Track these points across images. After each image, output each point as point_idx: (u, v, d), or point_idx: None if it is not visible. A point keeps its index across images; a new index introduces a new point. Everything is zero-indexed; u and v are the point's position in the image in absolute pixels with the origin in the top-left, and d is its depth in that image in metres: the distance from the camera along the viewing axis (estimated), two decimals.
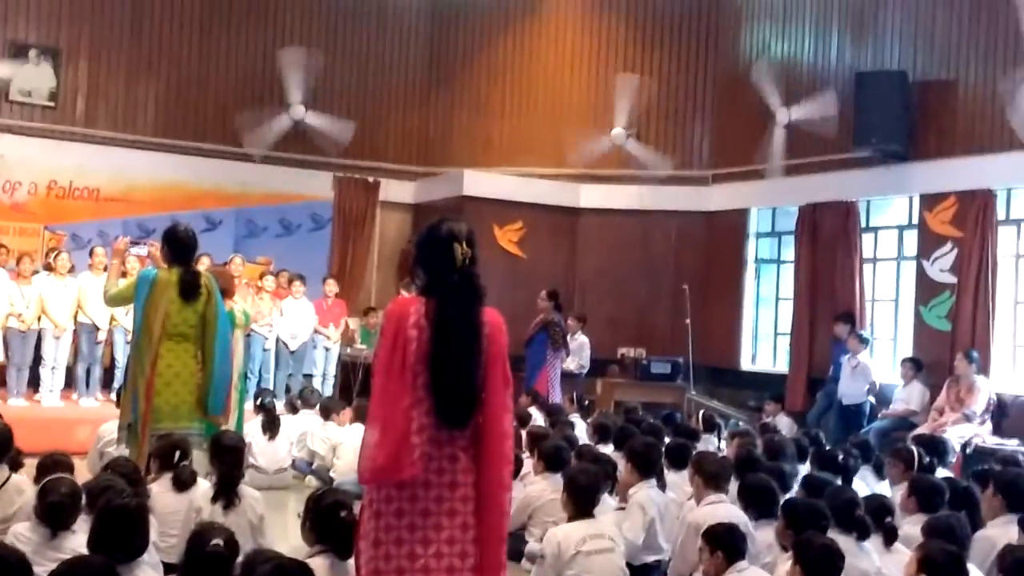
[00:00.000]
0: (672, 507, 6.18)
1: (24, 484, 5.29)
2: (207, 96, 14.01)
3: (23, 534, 4.38)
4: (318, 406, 9.71)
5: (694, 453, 6.48)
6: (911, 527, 5.37)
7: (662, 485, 6.20)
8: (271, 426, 8.93)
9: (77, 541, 4.30)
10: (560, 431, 7.86)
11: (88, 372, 11.36)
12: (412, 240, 3.73)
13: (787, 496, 5.66)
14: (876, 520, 5.27)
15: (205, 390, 6.31)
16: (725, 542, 4.79)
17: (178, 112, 13.87)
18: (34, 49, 13.04)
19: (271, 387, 11.59)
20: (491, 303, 3.64)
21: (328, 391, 12.15)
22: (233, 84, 13.99)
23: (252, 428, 8.80)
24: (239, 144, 13.81)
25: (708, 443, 8.63)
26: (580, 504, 5.15)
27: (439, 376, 3.47)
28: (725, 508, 5.48)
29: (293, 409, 9.85)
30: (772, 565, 5.08)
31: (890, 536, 5.26)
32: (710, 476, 5.68)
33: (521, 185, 14.13)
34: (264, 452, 8.80)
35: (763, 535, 5.32)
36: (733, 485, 5.90)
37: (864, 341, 11.20)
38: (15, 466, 5.62)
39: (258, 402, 9.38)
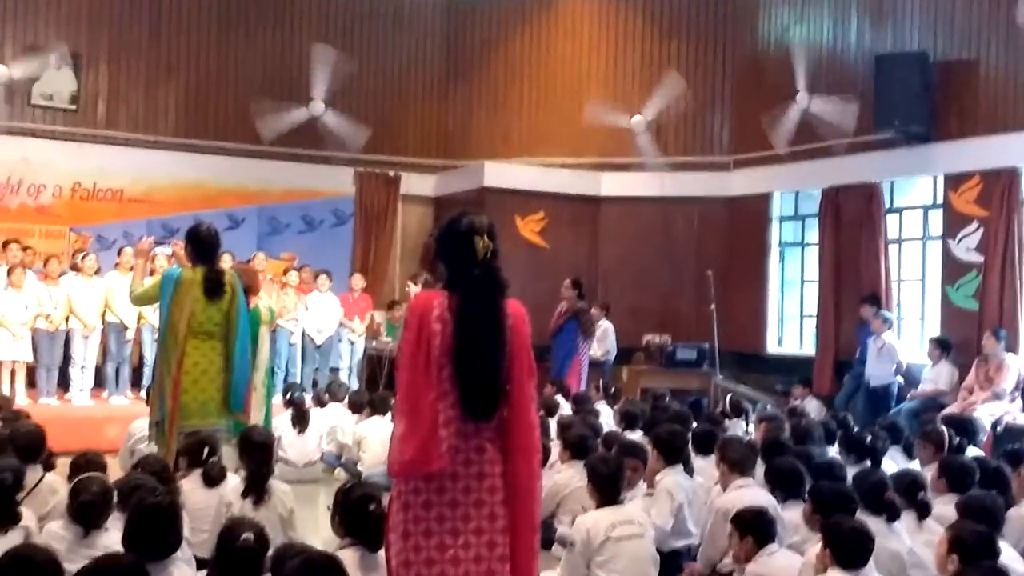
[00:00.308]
0: (700, 492, 6.18)
1: (57, 484, 5.36)
2: (227, 96, 14.05)
3: (56, 532, 4.43)
4: (346, 399, 9.75)
5: (720, 439, 6.47)
6: (942, 507, 5.35)
7: (689, 470, 6.20)
8: (301, 420, 8.98)
9: (110, 539, 4.34)
10: (583, 419, 7.85)
11: (117, 371, 11.46)
12: (433, 234, 3.74)
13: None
14: (908, 496, 5.27)
15: (228, 388, 6.36)
16: (755, 526, 4.79)
17: (198, 112, 13.93)
18: (55, 54, 13.10)
19: (298, 381, 11.66)
20: (514, 294, 3.64)
21: (354, 384, 12.20)
22: (252, 84, 14.00)
23: (282, 422, 8.85)
24: (260, 142, 13.85)
25: (736, 428, 8.62)
26: (604, 492, 5.16)
27: (464, 369, 3.48)
28: (752, 492, 5.48)
29: (321, 403, 9.89)
30: (799, 544, 5.09)
31: (923, 511, 5.24)
32: (735, 463, 5.68)
33: (542, 175, 14.12)
34: (294, 446, 8.85)
35: (790, 515, 5.32)
36: (759, 469, 5.90)
37: (887, 321, 11.14)
38: (48, 466, 5.68)
39: (287, 396, 9.43)
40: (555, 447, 7.08)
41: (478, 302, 3.51)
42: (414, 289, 10.96)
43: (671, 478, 5.94)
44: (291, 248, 14.04)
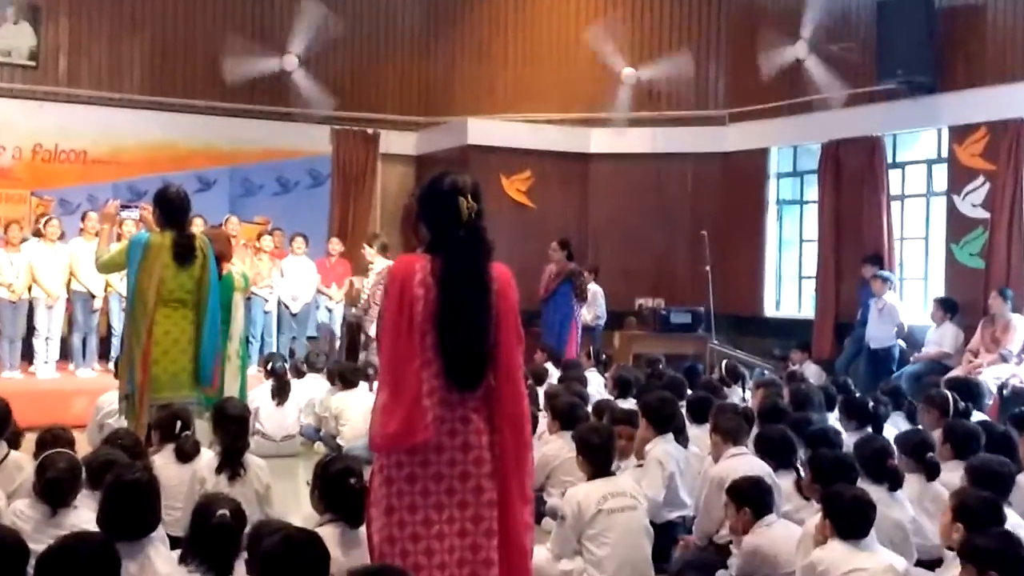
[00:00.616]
0: (693, 461, 6.21)
1: (23, 460, 5.33)
2: (195, 50, 13.90)
3: (23, 511, 4.42)
4: (325, 370, 9.74)
5: (714, 406, 6.51)
6: (947, 474, 5.39)
7: (684, 440, 6.22)
8: (281, 391, 8.97)
9: (79, 517, 4.33)
10: (568, 387, 7.86)
11: (84, 342, 11.42)
12: (414, 194, 3.72)
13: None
14: (916, 456, 5.31)
15: (196, 360, 6.35)
16: (751, 497, 4.82)
17: (165, 68, 13.79)
18: (12, 7, 12.96)
19: (275, 351, 11.63)
20: (500, 256, 3.64)
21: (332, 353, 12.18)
22: (221, 37, 13.86)
23: (258, 394, 8.84)
24: (232, 100, 13.74)
25: (733, 395, 8.66)
26: (595, 463, 5.18)
27: (448, 336, 3.48)
28: (747, 460, 5.51)
29: (299, 374, 9.88)
30: (792, 514, 5.14)
31: (932, 472, 5.29)
32: (728, 431, 5.70)
33: (528, 132, 14.06)
34: (271, 418, 8.85)
35: (780, 483, 5.35)
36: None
37: (887, 281, 11.16)
38: (13, 443, 5.66)
39: (268, 366, 9.42)
40: (543, 417, 7.10)
41: (462, 265, 3.51)
42: (369, 253, 10.95)
43: (661, 447, 5.96)
44: (265, 211, 13.98)
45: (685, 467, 6.03)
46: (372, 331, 10.30)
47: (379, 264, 10.85)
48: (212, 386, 6.51)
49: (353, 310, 12.86)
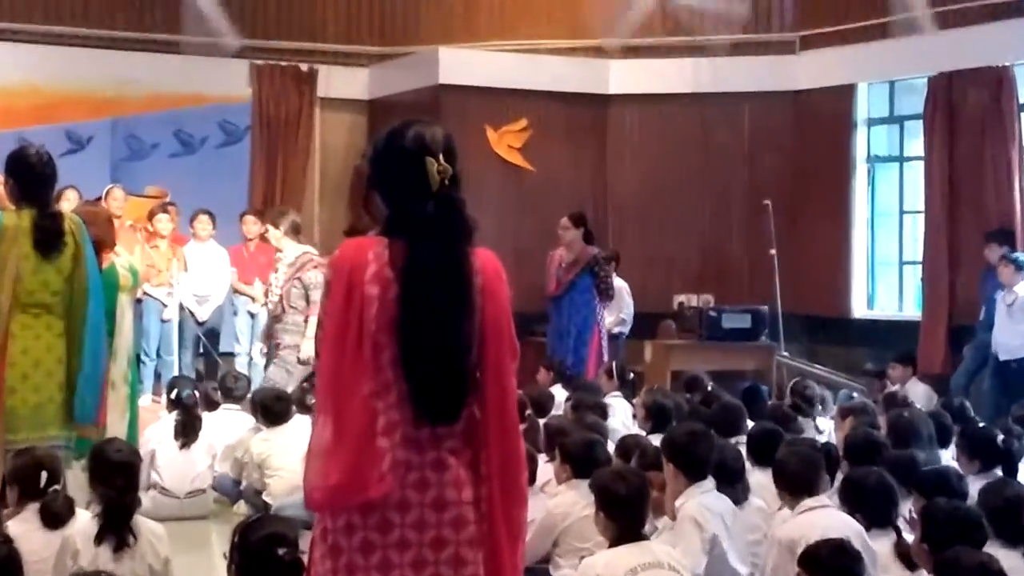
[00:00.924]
0: (755, 517, 6.22)
1: None
2: None
3: None
4: (247, 399, 9.74)
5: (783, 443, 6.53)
6: None
7: (743, 491, 6.24)
8: (187, 429, 8.95)
9: None
10: (583, 419, 7.85)
11: None
12: (366, 154, 3.73)
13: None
14: None
15: (72, 387, 6.35)
16: (834, 567, 4.80)
17: None
18: None
19: (176, 373, 11.61)
20: (487, 239, 3.65)
21: (257, 376, 12.18)
22: None
23: (157, 433, 8.86)
24: (112, 26, 13.74)
25: (808, 426, 8.68)
26: (622, 523, 5.19)
27: (413, 350, 3.48)
28: (829, 516, 5.52)
29: (211, 405, 9.87)
30: None
31: None
32: (793, 481, 5.71)
33: (523, 66, 14.08)
34: (173, 466, 8.83)
35: (877, 549, 5.36)
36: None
37: (1019, 266, 11.18)
38: None
39: (172, 395, 9.41)
40: (544, 461, 7.09)
41: (432, 252, 3.51)
42: (275, 236, 10.87)
43: (695, 501, 5.94)
44: (161, 179, 13.98)
45: (734, 524, 6.03)
46: (303, 347, 10.25)
47: (290, 251, 10.68)
48: (97, 423, 6.50)
49: None
